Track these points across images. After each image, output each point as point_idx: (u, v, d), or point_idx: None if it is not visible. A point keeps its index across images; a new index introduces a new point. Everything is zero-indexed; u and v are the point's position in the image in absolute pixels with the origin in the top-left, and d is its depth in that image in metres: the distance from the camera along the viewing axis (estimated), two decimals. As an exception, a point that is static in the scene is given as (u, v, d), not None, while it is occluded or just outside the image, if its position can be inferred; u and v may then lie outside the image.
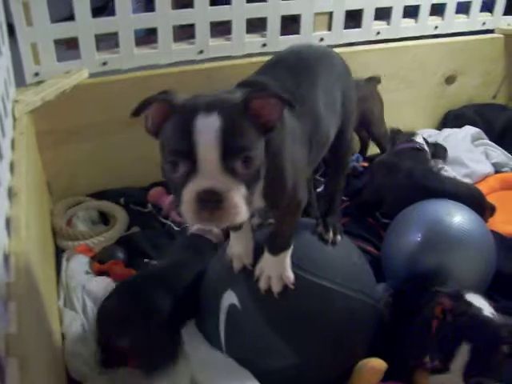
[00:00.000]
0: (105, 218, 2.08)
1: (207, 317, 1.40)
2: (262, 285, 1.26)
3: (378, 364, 1.30)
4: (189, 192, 0.90)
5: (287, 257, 1.25)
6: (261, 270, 1.27)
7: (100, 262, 1.78)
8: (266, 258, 1.26)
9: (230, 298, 1.31)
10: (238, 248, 1.32)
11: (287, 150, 1.09)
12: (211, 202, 0.89)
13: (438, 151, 2.20)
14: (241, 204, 0.91)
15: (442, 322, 1.25)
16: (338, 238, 1.39)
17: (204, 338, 1.39)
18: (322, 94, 1.28)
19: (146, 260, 1.78)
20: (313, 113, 1.24)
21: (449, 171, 2.25)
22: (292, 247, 1.25)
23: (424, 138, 2.15)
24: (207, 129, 0.89)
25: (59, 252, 1.87)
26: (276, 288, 1.25)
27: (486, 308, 1.26)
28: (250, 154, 0.92)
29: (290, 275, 1.25)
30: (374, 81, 2.28)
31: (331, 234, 1.38)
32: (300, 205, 1.19)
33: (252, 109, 0.96)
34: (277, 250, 1.24)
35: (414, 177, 1.92)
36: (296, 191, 1.15)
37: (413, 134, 2.13)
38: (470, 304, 1.25)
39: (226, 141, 0.89)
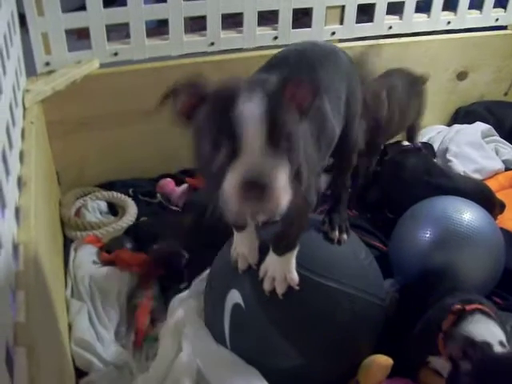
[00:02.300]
0: (113, 209, 2.09)
1: (212, 315, 1.39)
2: (266, 286, 1.24)
3: (384, 360, 1.29)
4: (234, 175, 0.85)
5: (292, 257, 1.22)
6: (265, 270, 1.25)
7: (108, 253, 1.78)
8: (271, 258, 1.24)
9: (234, 298, 1.30)
10: (243, 247, 1.30)
11: (302, 148, 1.08)
12: (258, 186, 0.84)
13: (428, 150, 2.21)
14: (286, 186, 0.87)
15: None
16: (344, 237, 1.37)
17: (211, 334, 1.38)
18: (327, 93, 1.26)
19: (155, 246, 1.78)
20: (319, 112, 1.22)
21: (457, 165, 2.24)
22: (298, 248, 1.23)
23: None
24: (251, 108, 0.85)
25: (67, 242, 1.87)
26: (280, 290, 1.23)
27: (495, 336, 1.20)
28: (293, 131, 0.90)
29: (295, 277, 1.22)
30: (422, 79, 2.29)
31: (337, 233, 1.36)
32: (310, 206, 1.17)
33: (288, 93, 0.93)
34: (282, 250, 1.21)
35: (420, 174, 1.91)
36: (308, 191, 1.12)
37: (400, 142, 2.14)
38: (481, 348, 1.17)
39: (271, 119, 0.86)
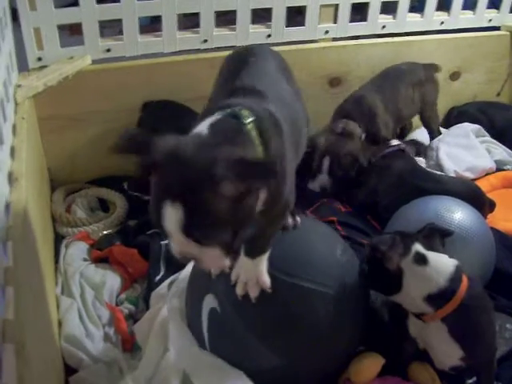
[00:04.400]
0: (105, 205, 2.08)
1: (192, 318, 1.38)
2: (239, 291, 1.22)
3: (375, 358, 1.30)
4: (172, 247, 0.98)
5: (264, 260, 1.20)
6: (237, 274, 1.23)
7: (99, 250, 1.78)
8: (243, 261, 1.21)
9: (210, 302, 1.28)
10: None
11: (281, 158, 1.06)
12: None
13: (419, 148, 2.21)
14: (219, 259, 0.97)
15: None
16: (298, 219, 1.34)
17: (194, 337, 1.37)
18: (296, 94, 1.30)
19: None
20: (295, 116, 1.22)
21: (449, 164, 2.25)
22: (270, 250, 1.20)
23: (399, 141, 2.15)
24: (170, 218, 0.91)
25: (58, 239, 1.87)
26: (253, 294, 1.21)
27: None
28: (211, 240, 0.94)
29: (266, 280, 1.21)
30: (433, 68, 2.37)
31: (290, 219, 1.32)
32: (288, 206, 1.15)
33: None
34: (255, 253, 1.19)
35: (407, 179, 1.90)
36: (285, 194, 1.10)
37: (388, 140, 2.12)
38: None
39: (187, 231, 0.91)
